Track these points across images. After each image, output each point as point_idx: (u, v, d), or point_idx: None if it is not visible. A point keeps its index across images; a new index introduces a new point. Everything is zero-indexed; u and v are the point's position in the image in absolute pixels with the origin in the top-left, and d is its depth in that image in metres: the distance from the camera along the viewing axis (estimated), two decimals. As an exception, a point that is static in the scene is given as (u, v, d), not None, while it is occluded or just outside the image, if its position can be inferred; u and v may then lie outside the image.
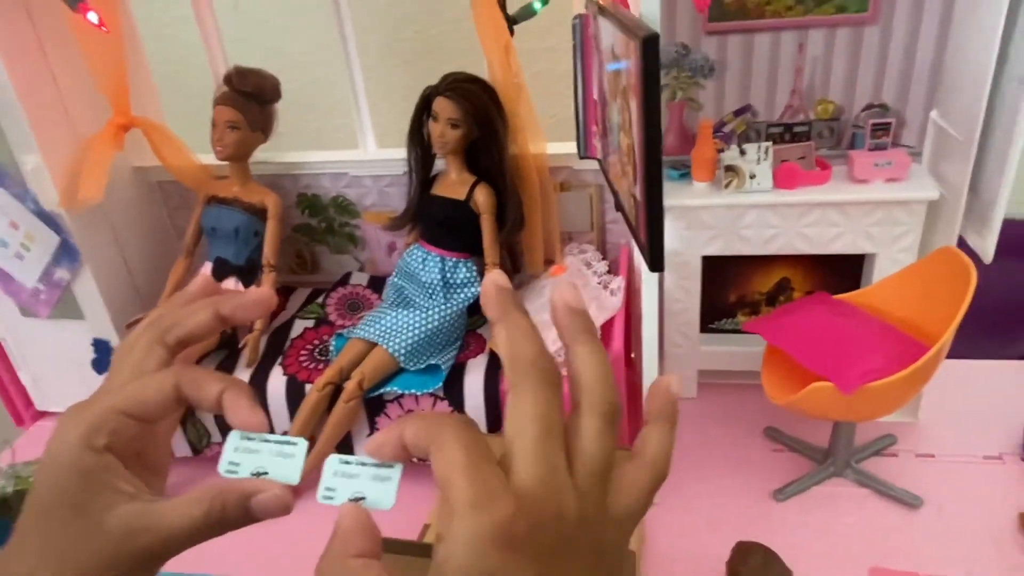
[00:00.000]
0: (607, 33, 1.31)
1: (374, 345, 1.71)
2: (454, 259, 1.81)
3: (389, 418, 1.71)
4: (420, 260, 1.83)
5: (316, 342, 1.88)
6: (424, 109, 1.74)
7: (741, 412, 1.90)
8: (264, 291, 0.43)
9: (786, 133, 1.77)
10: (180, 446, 1.85)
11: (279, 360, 1.81)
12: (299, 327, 1.94)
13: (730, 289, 1.93)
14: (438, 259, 1.81)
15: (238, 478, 0.38)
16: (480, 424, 1.68)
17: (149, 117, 1.94)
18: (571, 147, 1.77)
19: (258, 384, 1.75)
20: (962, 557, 1.49)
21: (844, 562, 1.50)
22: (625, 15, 1.18)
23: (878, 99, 1.75)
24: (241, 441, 0.39)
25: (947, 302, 1.44)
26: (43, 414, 2.18)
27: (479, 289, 1.81)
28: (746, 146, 1.65)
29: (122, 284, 1.98)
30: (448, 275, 1.81)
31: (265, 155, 1.97)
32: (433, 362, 1.71)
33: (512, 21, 1.67)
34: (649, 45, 0.99)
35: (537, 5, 1.67)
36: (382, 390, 1.69)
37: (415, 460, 0.36)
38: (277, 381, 1.75)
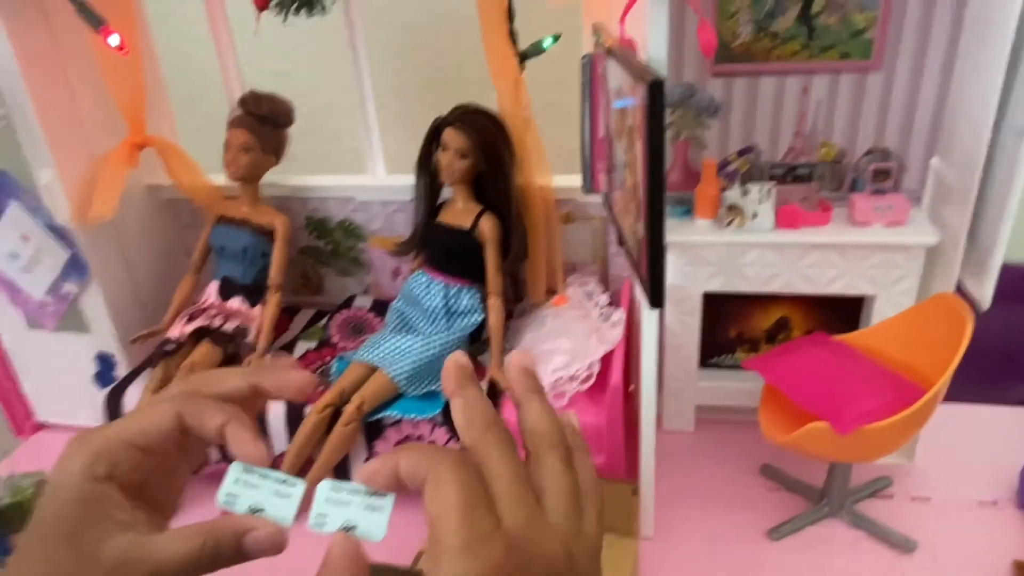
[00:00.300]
0: (615, 74, 1.34)
1: (375, 369, 1.72)
2: (457, 286, 1.83)
3: (387, 442, 1.72)
4: (424, 286, 1.85)
5: (318, 363, 1.89)
6: (433, 139, 1.77)
7: (738, 448, 1.91)
8: (308, 379, 0.43)
9: (788, 174, 1.79)
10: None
11: (280, 380, 1.82)
12: (302, 347, 1.96)
13: (730, 326, 1.94)
14: (442, 286, 1.83)
15: (233, 514, 0.38)
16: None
17: (164, 136, 1.98)
18: (577, 180, 1.80)
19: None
20: (955, 603, 1.49)
21: (837, 604, 1.50)
22: (632, 59, 1.21)
23: (880, 144, 1.78)
24: (242, 474, 0.39)
25: (944, 346, 1.45)
26: (43, 426, 2.19)
27: (481, 317, 1.83)
28: (749, 185, 1.68)
29: (129, 299, 2.00)
30: (451, 302, 1.83)
31: (275, 177, 2.00)
32: (433, 388, 1.72)
33: (522, 57, 1.71)
34: (655, 89, 1.02)
35: (547, 43, 1.71)
36: (381, 414, 1.70)
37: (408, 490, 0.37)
38: (277, 402, 1.76)
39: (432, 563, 0.31)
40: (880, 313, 1.72)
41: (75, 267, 1.85)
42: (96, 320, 1.93)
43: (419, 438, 1.70)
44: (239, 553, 0.37)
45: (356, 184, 2.03)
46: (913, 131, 1.75)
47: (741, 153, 1.83)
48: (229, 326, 1.85)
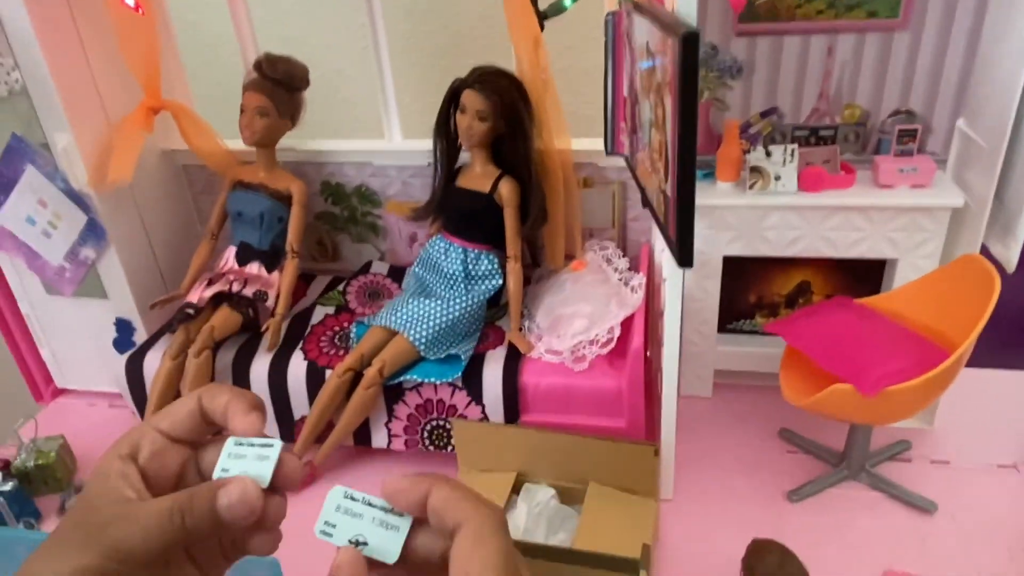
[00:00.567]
0: (641, 30, 1.32)
1: (395, 333, 1.72)
2: (476, 251, 1.82)
3: (407, 406, 1.73)
4: (443, 251, 1.84)
5: (336, 329, 1.90)
6: (452, 101, 1.75)
7: (756, 413, 1.91)
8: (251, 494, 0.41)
9: (812, 136, 1.77)
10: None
11: (299, 345, 1.83)
12: (320, 313, 1.96)
13: (750, 290, 1.94)
14: (460, 250, 1.82)
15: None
16: (498, 415, 1.70)
17: (178, 100, 1.96)
18: (596, 143, 1.78)
19: (279, 368, 1.77)
20: (974, 564, 1.49)
21: (857, 565, 1.51)
22: (662, 12, 1.19)
23: (905, 105, 1.75)
24: (234, 447, 0.41)
25: (969, 309, 1.44)
26: (63, 391, 2.20)
27: (500, 281, 1.82)
28: (772, 148, 1.66)
29: (146, 265, 2.00)
30: (470, 266, 1.82)
31: (290, 142, 1.98)
32: (453, 352, 1.72)
33: (543, 16, 1.68)
34: (689, 42, 1.00)
35: (568, 1, 1.68)
36: (401, 378, 1.70)
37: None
38: (297, 366, 1.77)
39: None
40: (902, 277, 1.71)
41: (92, 232, 1.85)
42: (114, 286, 1.93)
43: (439, 402, 1.71)
44: (212, 510, 0.39)
45: (373, 149, 2.01)
46: (939, 93, 1.72)
47: (764, 115, 1.81)
48: (248, 291, 1.85)
